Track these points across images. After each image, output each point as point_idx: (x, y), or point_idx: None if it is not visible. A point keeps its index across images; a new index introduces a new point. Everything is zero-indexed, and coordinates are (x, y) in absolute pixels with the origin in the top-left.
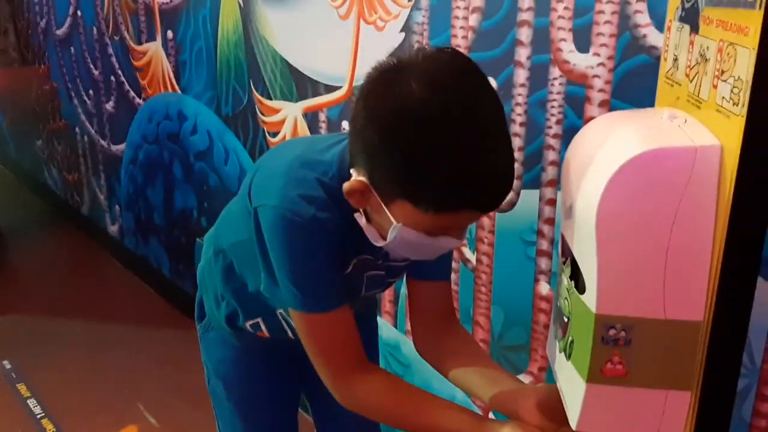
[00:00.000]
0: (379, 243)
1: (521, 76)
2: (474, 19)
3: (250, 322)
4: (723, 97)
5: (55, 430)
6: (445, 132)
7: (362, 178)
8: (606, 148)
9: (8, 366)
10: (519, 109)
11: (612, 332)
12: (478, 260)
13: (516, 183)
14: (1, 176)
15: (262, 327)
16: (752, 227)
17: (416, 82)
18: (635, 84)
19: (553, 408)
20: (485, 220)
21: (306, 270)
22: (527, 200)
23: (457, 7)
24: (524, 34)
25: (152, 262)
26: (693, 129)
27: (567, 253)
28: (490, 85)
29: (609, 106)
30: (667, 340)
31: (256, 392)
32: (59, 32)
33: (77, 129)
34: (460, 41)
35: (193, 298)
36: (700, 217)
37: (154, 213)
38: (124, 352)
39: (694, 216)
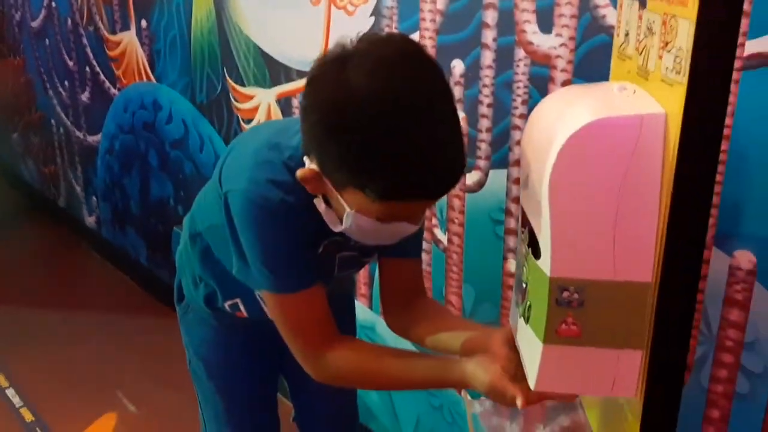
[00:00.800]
0: (337, 228)
1: (488, 57)
2: (441, 3)
3: (229, 302)
4: (667, 68)
5: (34, 419)
6: (388, 121)
7: (314, 167)
8: (558, 120)
9: None
10: (486, 91)
11: (566, 294)
12: (449, 240)
13: (484, 163)
14: None
15: (241, 307)
16: (696, 190)
17: (359, 70)
18: (596, 63)
19: (504, 341)
20: (455, 201)
21: (276, 252)
22: (495, 180)
23: None
24: (490, 16)
25: (130, 251)
26: (640, 99)
27: (525, 223)
28: (438, 72)
29: (571, 84)
30: (617, 300)
31: (236, 372)
32: (34, 24)
33: (53, 121)
34: (429, 24)
35: (171, 286)
36: (646, 182)
37: (131, 203)
38: (102, 341)
39: (641, 181)
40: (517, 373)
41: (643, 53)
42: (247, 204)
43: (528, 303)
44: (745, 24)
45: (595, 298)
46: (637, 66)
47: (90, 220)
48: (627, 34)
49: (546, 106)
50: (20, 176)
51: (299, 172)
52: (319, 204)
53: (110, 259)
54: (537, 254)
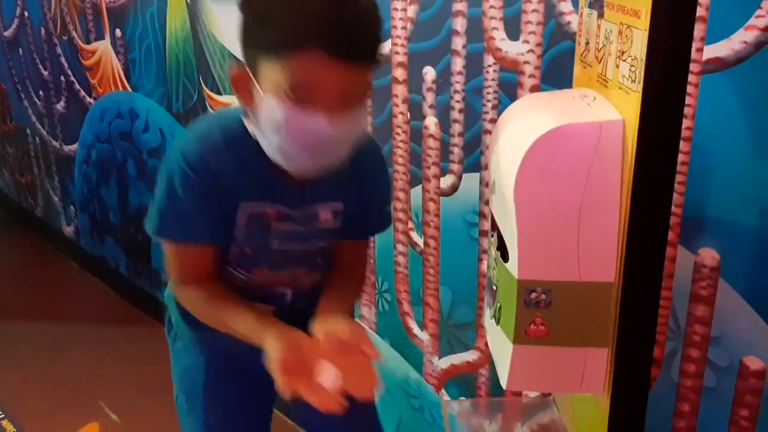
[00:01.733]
0: (264, 144)
1: (458, 64)
2: (412, 11)
3: None
4: (623, 76)
5: (15, 431)
6: None
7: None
8: (521, 127)
9: None
10: (457, 96)
11: (533, 295)
12: (426, 243)
13: (457, 167)
14: None
15: None
16: (653, 194)
17: None
18: (562, 68)
19: (333, 333)
20: (430, 204)
21: (175, 202)
22: (469, 184)
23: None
24: (459, 23)
25: (109, 261)
26: (600, 106)
27: (494, 227)
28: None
29: (539, 90)
30: (583, 300)
31: (222, 403)
32: (7, 33)
33: (28, 130)
34: (400, 32)
35: (151, 295)
36: (607, 186)
37: (110, 212)
38: (83, 351)
39: (602, 186)
40: (303, 366)
41: (602, 61)
42: (171, 157)
43: (498, 305)
44: (702, 29)
45: (562, 298)
46: (597, 73)
47: (68, 230)
48: (587, 43)
49: (511, 113)
50: None
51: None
52: (249, 124)
53: (89, 269)
54: (505, 257)
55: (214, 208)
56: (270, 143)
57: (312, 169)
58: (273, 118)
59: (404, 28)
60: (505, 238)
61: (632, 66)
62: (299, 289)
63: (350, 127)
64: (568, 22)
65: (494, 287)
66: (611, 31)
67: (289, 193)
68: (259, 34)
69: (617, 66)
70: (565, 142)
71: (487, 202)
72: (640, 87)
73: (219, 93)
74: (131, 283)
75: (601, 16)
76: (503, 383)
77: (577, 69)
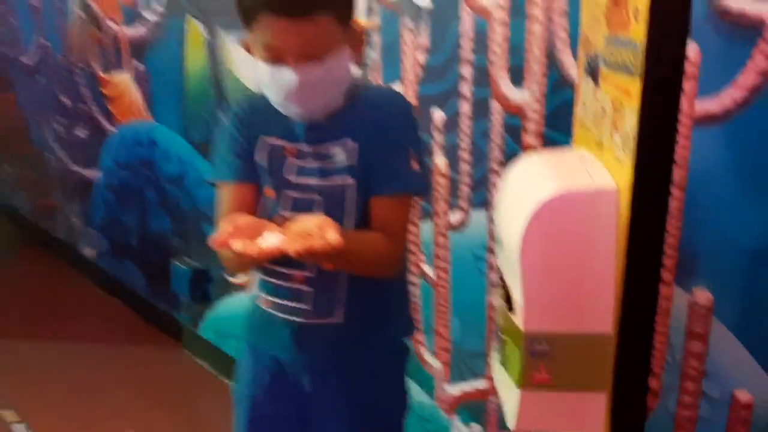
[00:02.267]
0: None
1: (466, 108)
2: (422, 57)
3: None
4: (617, 146)
5: None
6: None
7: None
8: (526, 190)
9: None
10: (465, 138)
11: (537, 346)
12: (437, 275)
13: (466, 204)
14: None
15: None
16: (644, 256)
17: None
18: (563, 116)
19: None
20: (440, 238)
21: (219, 150)
22: (477, 220)
23: (406, 45)
24: (466, 70)
25: (128, 282)
26: (597, 172)
27: (501, 277)
28: None
29: (542, 135)
30: (584, 349)
31: (256, 421)
32: (26, 60)
33: (47, 154)
34: (410, 76)
35: (169, 316)
36: (603, 247)
37: (129, 236)
38: (104, 370)
39: (599, 247)
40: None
41: (599, 128)
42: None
43: (506, 353)
44: (694, 86)
45: (564, 348)
46: (594, 138)
47: (88, 252)
48: (585, 105)
49: (516, 172)
50: (13, 207)
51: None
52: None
53: (109, 289)
54: (511, 308)
55: (246, 149)
56: (272, 100)
57: (305, 114)
58: (259, 77)
59: (414, 72)
60: (510, 291)
61: (624, 140)
62: None
63: (321, 73)
64: (569, 73)
65: (501, 335)
66: (606, 101)
67: (302, 131)
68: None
69: (611, 135)
70: (565, 208)
71: (494, 238)
72: (631, 161)
73: None
74: (150, 303)
75: (596, 85)
76: (510, 425)
77: (576, 129)
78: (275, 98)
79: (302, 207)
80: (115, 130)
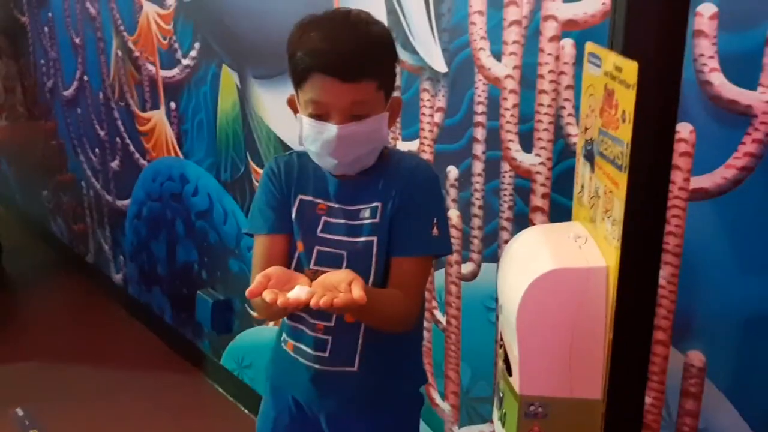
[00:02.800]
0: (300, 143)
1: (478, 167)
2: (438, 117)
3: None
4: (608, 230)
5: None
6: (298, 30)
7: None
8: (526, 262)
9: (21, 413)
10: (477, 195)
11: (532, 408)
12: (448, 322)
13: (477, 256)
14: (8, 224)
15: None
16: (631, 330)
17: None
18: (569, 181)
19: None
20: (452, 287)
21: (256, 203)
22: (487, 272)
23: (424, 106)
24: (479, 132)
25: (155, 309)
26: (590, 250)
27: (502, 341)
28: (366, 19)
29: (549, 198)
30: (575, 413)
31: None
32: (66, 93)
33: (83, 183)
34: (427, 134)
35: (194, 344)
36: (593, 319)
37: (158, 264)
38: (126, 394)
39: (590, 319)
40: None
41: (593, 208)
42: (263, 172)
43: (503, 410)
44: (689, 163)
45: (557, 411)
46: (590, 216)
47: (117, 278)
48: (582, 187)
49: (518, 243)
50: (50, 232)
51: (288, 99)
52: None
53: (136, 315)
54: (509, 371)
55: (280, 202)
56: (308, 150)
57: (340, 167)
58: (304, 130)
59: (431, 131)
60: (509, 355)
61: (614, 225)
62: None
63: (360, 133)
64: (575, 144)
65: (501, 394)
66: (599, 187)
67: (334, 190)
68: (290, 73)
69: (603, 219)
70: (558, 283)
71: None
72: (618, 245)
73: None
74: (176, 331)
75: (592, 171)
76: None
77: (575, 204)
78: (315, 149)
79: (329, 262)
80: (148, 164)
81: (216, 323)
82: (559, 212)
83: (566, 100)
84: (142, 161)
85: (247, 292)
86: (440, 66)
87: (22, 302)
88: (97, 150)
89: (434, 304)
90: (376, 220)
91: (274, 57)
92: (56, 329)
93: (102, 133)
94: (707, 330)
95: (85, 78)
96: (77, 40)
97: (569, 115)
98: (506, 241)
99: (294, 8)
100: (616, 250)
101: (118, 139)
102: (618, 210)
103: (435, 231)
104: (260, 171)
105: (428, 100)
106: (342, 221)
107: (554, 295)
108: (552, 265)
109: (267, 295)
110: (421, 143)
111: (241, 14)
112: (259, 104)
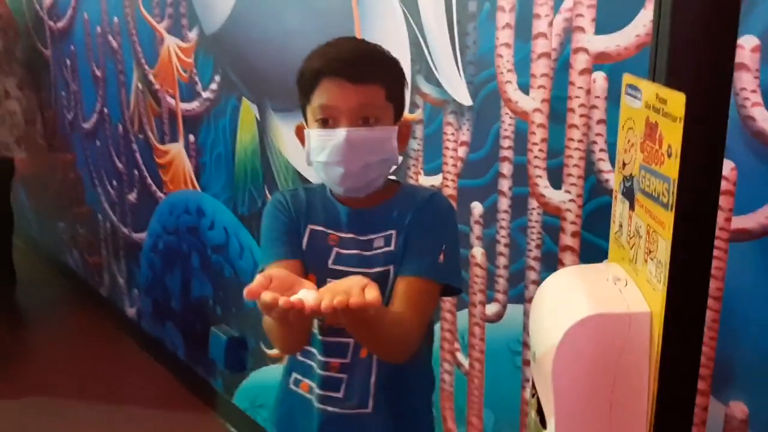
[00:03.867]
0: (317, 171)
1: (504, 203)
2: (462, 151)
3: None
4: (651, 272)
5: None
6: (313, 52)
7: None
8: (560, 306)
9: None
10: (503, 232)
11: None
12: (471, 365)
13: (502, 297)
14: (25, 255)
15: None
16: (677, 377)
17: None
18: (601, 220)
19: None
20: (476, 329)
21: (266, 235)
22: (513, 314)
23: (447, 140)
24: (506, 168)
25: (168, 345)
26: (630, 294)
27: (535, 390)
28: (379, 49)
29: (580, 236)
30: None
31: None
32: (85, 125)
33: (100, 215)
34: (450, 168)
35: (207, 382)
36: (636, 369)
37: (172, 299)
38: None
39: (631, 368)
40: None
41: (633, 249)
42: (267, 206)
43: None
44: (730, 202)
45: None
46: (629, 257)
47: (131, 312)
48: (621, 226)
49: (551, 287)
50: (65, 264)
51: (295, 127)
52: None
53: (149, 350)
54: (544, 424)
55: (291, 232)
56: (316, 166)
57: (349, 181)
58: (312, 142)
59: (454, 165)
60: (543, 406)
61: (658, 268)
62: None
63: (369, 138)
64: (607, 180)
65: None
66: (640, 226)
67: (345, 219)
68: (300, 90)
69: (645, 261)
70: (598, 330)
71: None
72: (664, 289)
73: None
74: (189, 367)
75: (631, 208)
76: None
77: (612, 244)
78: (322, 159)
79: None
80: (165, 197)
81: (230, 361)
82: (591, 252)
83: (598, 134)
84: (159, 194)
85: (245, 291)
86: (465, 99)
87: (34, 336)
88: (114, 182)
89: (456, 345)
90: (391, 248)
91: (294, 90)
92: (67, 363)
93: (120, 165)
94: (750, 379)
95: (105, 110)
96: (98, 73)
97: (601, 150)
98: (534, 282)
99: (315, 42)
100: (661, 294)
101: (135, 172)
102: (663, 251)
103: (441, 258)
104: None
105: (452, 133)
106: (354, 252)
107: (593, 342)
108: (591, 309)
109: (266, 296)
110: (444, 178)
111: (262, 48)
112: (279, 137)
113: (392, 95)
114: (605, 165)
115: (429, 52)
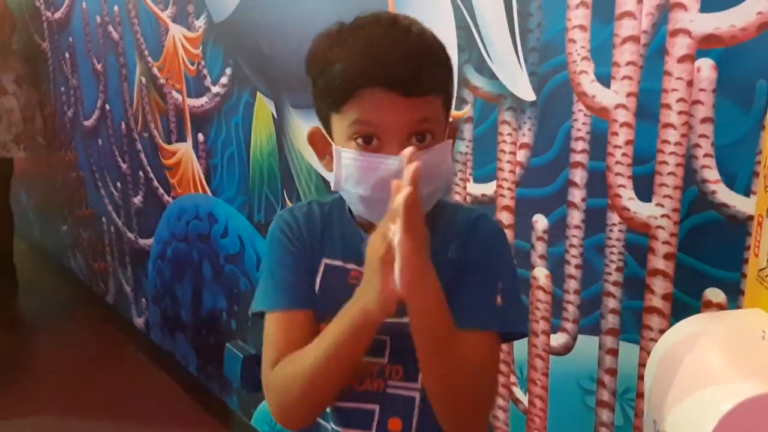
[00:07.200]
0: (347, 199)
1: (575, 217)
2: (522, 155)
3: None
4: None
5: None
6: (324, 40)
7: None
8: (703, 374)
9: None
10: (574, 251)
11: None
12: (531, 402)
13: (571, 326)
14: (26, 258)
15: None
16: None
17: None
18: (704, 240)
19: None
20: (538, 361)
21: (275, 272)
22: (585, 346)
23: (504, 141)
24: (578, 175)
25: (179, 358)
26: None
27: None
28: (417, 23)
29: (674, 259)
30: None
31: None
32: (87, 123)
33: (104, 219)
34: (507, 175)
35: (219, 399)
36: None
37: (182, 310)
38: None
39: None
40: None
41: None
42: (272, 227)
43: None
44: None
45: None
46: None
47: (139, 322)
48: None
49: (681, 342)
50: (68, 268)
51: (309, 132)
52: (327, 165)
53: (159, 363)
54: None
55: (300, 269)
56: (350, 195)
57: None
58: (346, 167)
59: (512, 171)
60: None
61: None
62: (392, 401)
63: (429, 165)
64: (713, 192)
65: None
66: None
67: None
68: (323, 93)
69: None
70: (761, 418)
71: (608, 371)
72: None
73: None
74: (201, 383)
75: None
76: None
77: (752, 284)
78: (363, 192)
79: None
80: (173, 201)
81: (246, 380)
82: (688, 278)
83: (702, 136)
84: (166, 198)
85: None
86: (526, 93)
87: (36, 345)
88: (118, 184)
89: (512, 379)
90: None
91: None
92: (72, 376)
93: (124, 166)
94: None
95: (107, 107)
96: (99, 67)
97: (706, 155)
98: (613, 311)
99: None
100: None
101: (141, 173)
102: None
103: (498, 300)
104: None
105: (509, 134)
106: None
107: (759, 429)
108: (749, 389)
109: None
110: (500, 186)
111: (278, 37)
112: (298, 137)
113: (447, 101)
114: (711, 174)
115: (481, 38)
